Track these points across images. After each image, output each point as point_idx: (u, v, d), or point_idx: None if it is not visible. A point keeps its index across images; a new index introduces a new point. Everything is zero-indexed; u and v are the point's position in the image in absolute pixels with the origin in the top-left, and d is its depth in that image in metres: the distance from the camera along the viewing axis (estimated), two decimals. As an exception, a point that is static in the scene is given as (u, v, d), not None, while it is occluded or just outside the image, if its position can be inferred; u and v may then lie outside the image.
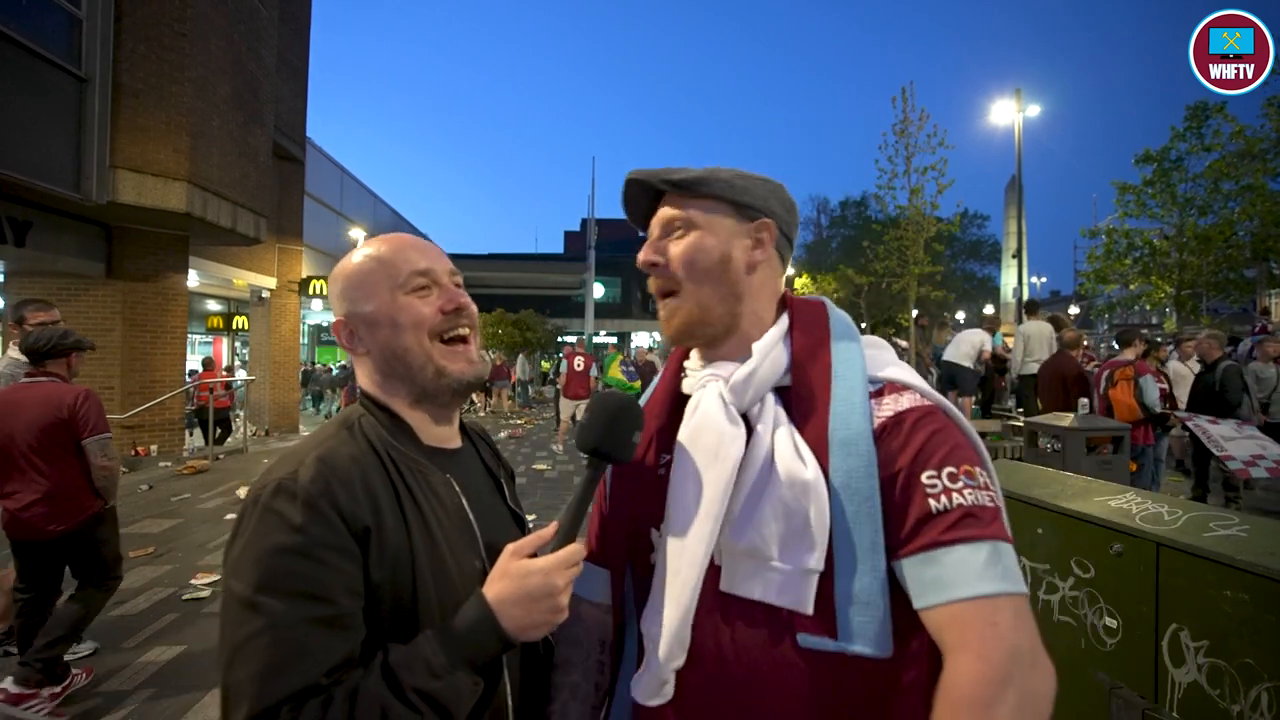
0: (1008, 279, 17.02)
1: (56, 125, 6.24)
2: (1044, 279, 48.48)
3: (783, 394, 0.87)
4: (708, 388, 0.88)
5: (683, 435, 0.87)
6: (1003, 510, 0.77)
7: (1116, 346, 6.33)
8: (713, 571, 0.83)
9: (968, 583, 0.71)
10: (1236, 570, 1.38)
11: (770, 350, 0.87)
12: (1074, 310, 28.46)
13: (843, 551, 0.77)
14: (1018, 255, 15.25)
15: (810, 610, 0.76)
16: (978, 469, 0.78)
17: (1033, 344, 7.44)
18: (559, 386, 10.83)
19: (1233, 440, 4.89)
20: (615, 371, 9.90)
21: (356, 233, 17.98)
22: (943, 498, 0.75)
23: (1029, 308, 8.21)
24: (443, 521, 0.87)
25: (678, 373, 0.98)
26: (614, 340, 30.29)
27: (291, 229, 13.31)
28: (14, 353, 3.34)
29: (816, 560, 0.77)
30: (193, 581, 4.24)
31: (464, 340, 0.96)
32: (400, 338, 0.91)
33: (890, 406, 0.82)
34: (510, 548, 0.83)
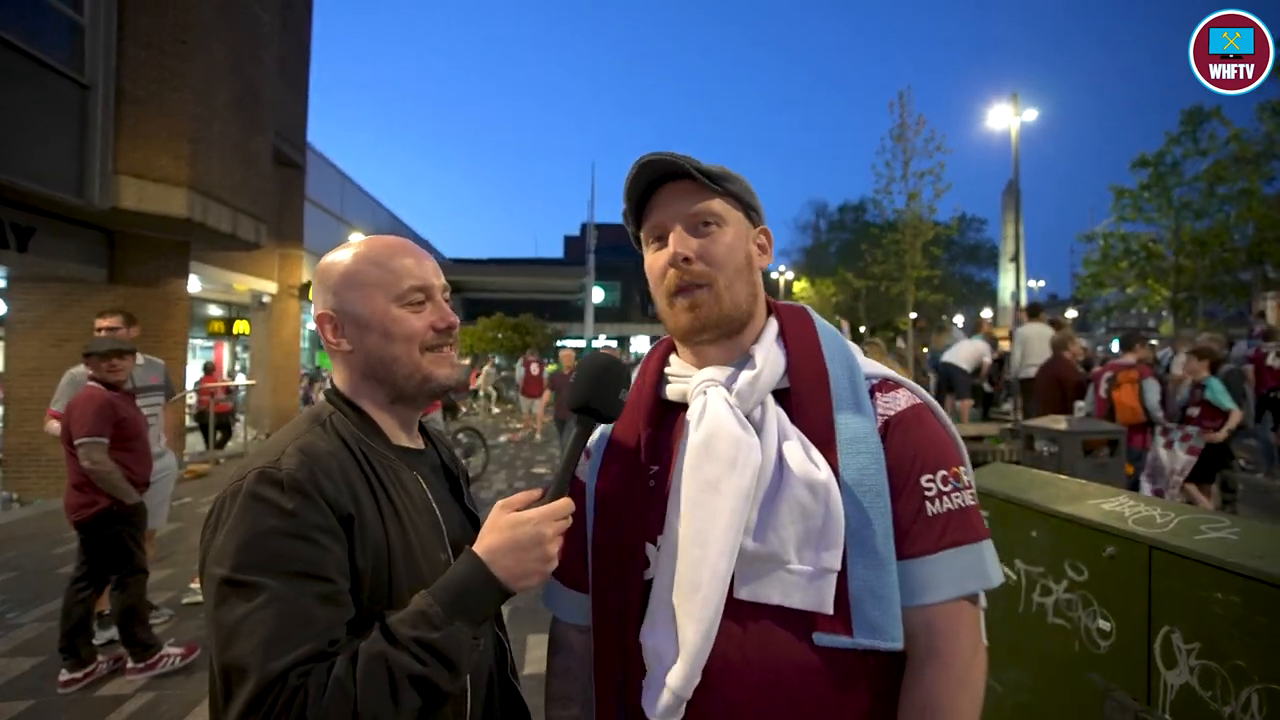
0: (1005, 282, 17.06)
1: (59, 132, 6.27)
2: (1042, 282, 48.59)
3: (780, 397, 0.87)
4: (709, 394, 0.86)
5: (693, 444, 0.84)
6: (977, 503, 0.85)
7: (1117, 349, 6.36)
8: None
9: (950, 585, 0.78)
10: (1227, 572, 1.40)
11: (769, 354, 0.88)
12: (1072, 313, 28.51)
13: (857, 548, 0.78)
14: (1015, 259, 15.30)
15: (831, 610, 0.77)
16: (962, 469, 0.84)
17: (1031, 347, 7.46)
18: (519, 388, 12.33)
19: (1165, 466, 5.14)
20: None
21: (357, 237, 17.98)
22: (938, 501, 0.80)
23: (1030, 311, 8.22)
24: (413, 516, 0.90)
25: (657, 379, 0.96)
26: (614, 344, 30.30)
27: (292, 234, 13.34)
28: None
29: (835, 559, 0.77)
30: (192, 585, 4.26)
31: (449, 347, 0.99)
32: (390, 347, 0.93)
33: (890, 405, 0.86)
34: (500, 503, 0.85)
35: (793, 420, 0.84)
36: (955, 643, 0.78)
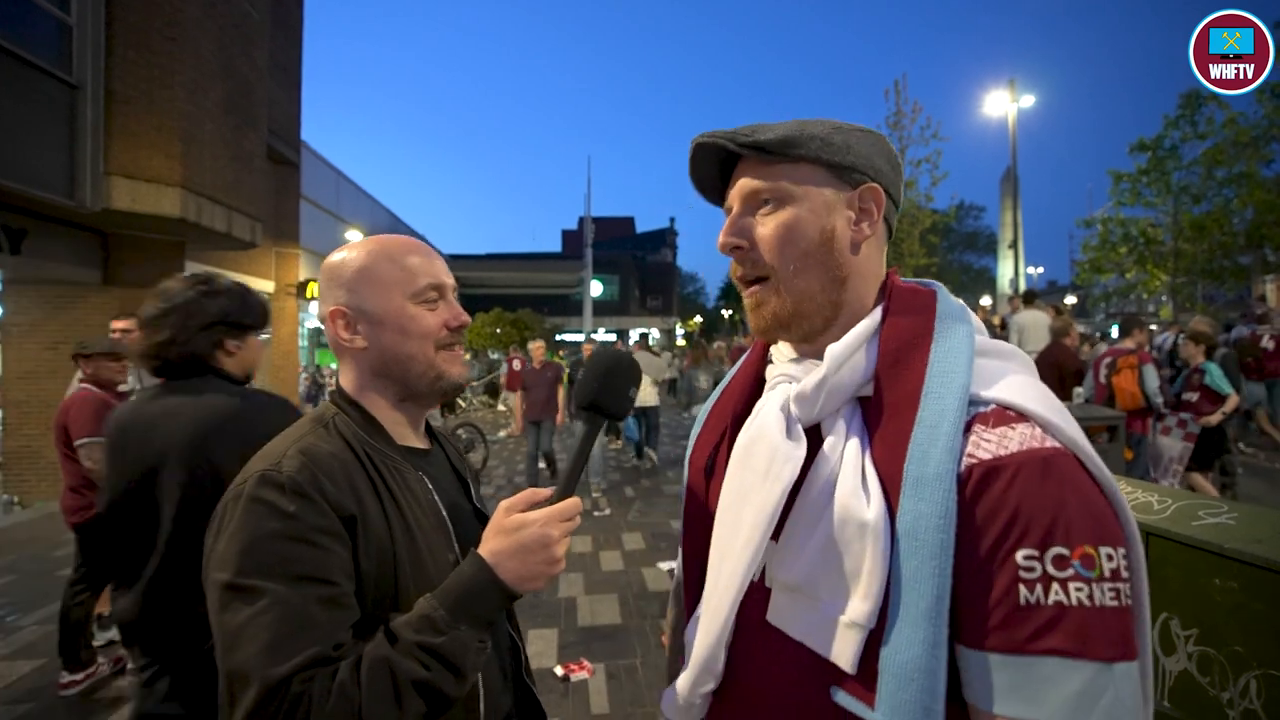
0: (1004, 270, 17.03)
1: (49, 133, 6.22)
2: (1041, 269, 48.54)
3: (864, 404, 0.72)
4: (776, 389, 0.78)
5: (738, 445, 0.77)
6: (1135, 611, 0.60)
7: (1116, 335, 6.35)
8: (765, 593, 0.74)
9: (1025, 701, 0.56)
10: (1224, 558, 1.40)
11: (850, 354, 0.71)
12: (1071, 300, 28.48)
13: (897, 610, 0.61)
14: (1014, 246, 15.27)
15: (852, 670, 0.64)
16: (1102, 550, 0.58)
17: (1028, 334, 7.44)
18: (503, 384, 12.60)
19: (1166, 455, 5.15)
20: None
21: (353, 235, 17.96)
22: (1038, 587, 0.57)
23: (1026, 298, 8.22)
24: (419, 517, 0.89)
25: (763, 358, 0.87)
26: (614, 337, 30.30)
27: (288, 232, 13.29)
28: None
29: (864, 615, 0.63)
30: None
31: (459, 345, 1.00)
32: (405, 344, 0.93)
33: (992, 443, 0.63)
34: (504, 504, 0.84)
35: (869, 438, 0.69)
36: None
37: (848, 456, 0.68)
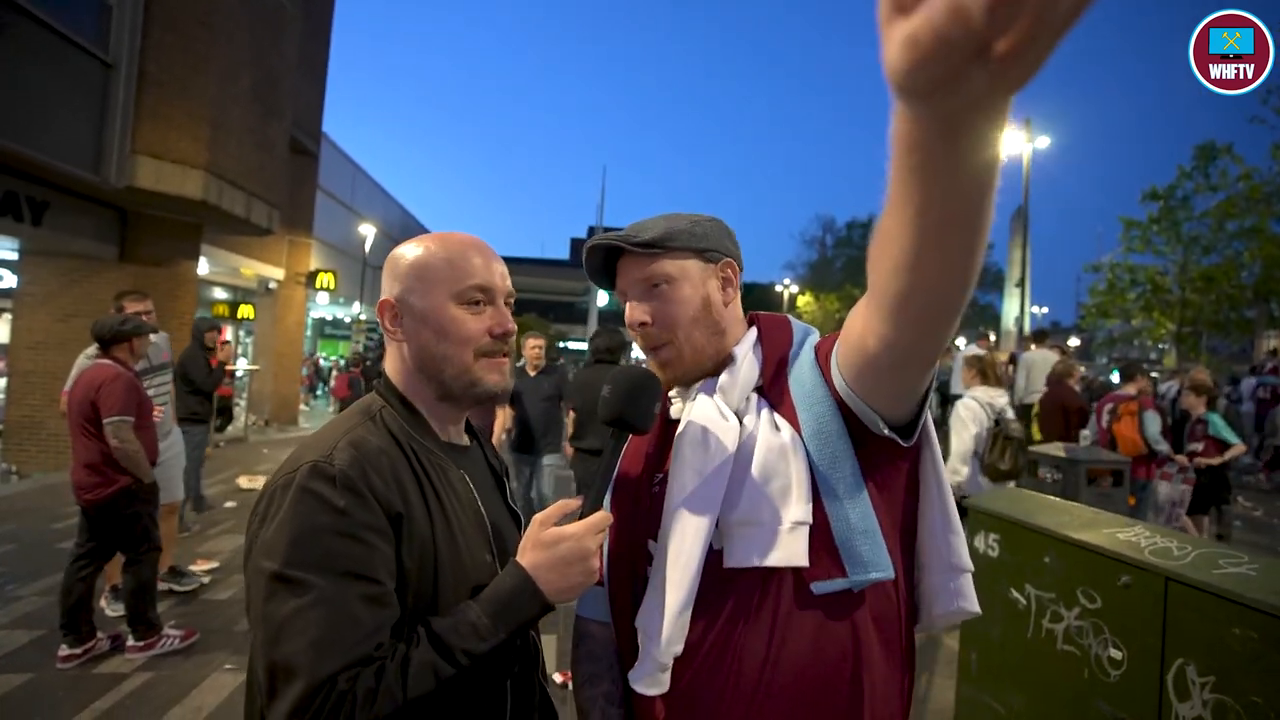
0: (1010, 308, 17.07)
1: (80, 109, 6.29)
2: (1045, 309, 48.63)
3: (762, 392, 0.94)
4: (699, 397, 0.94)
5: (680, 434, 0.92)
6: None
7: (1118, 380, 6.35)
8: (714, 558, 0.86)
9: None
10: (1246, 608, 1.41)
11: (746, 354, 0.94)
12: (1074, 342, 28.52)
13: (831, 493, 0.83)
14: (1021, 284, 15.33)
15: (806, 563, 0.81)
16: None
17: (1035, 373, 7.45)
18: None
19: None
20: None
21: (367, 228, 18.03)
22: None
23: (1036, 337, 8.22)
24: (460, 515, 0.90)
25: (664, 400, 1.03)
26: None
27: (302, 221, 13.37)
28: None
29: (803, 513, 0.81)
30: (191, 568, 4.25)
31: (503, 354, 0.97)
32: (442, 345, 0.92)
33: (823, 345, 0.92)
34: (538, 518, 0.86)
35: (770, 405, 0.91)
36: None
37: (763, 417, 0.89)
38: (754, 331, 0.99)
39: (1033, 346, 8.11)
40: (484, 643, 0.77)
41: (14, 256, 7.84)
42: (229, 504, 6.15)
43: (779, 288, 38.05)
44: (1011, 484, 3.95)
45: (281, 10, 8.82)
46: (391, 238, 22.57)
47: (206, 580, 4.19)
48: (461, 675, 0.75)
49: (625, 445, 0.97)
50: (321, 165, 14.19)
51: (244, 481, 7.13)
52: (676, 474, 0.89)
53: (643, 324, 0.96)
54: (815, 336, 0.99)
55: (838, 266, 35.88)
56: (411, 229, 26.36)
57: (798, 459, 0.83)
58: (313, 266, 13.87)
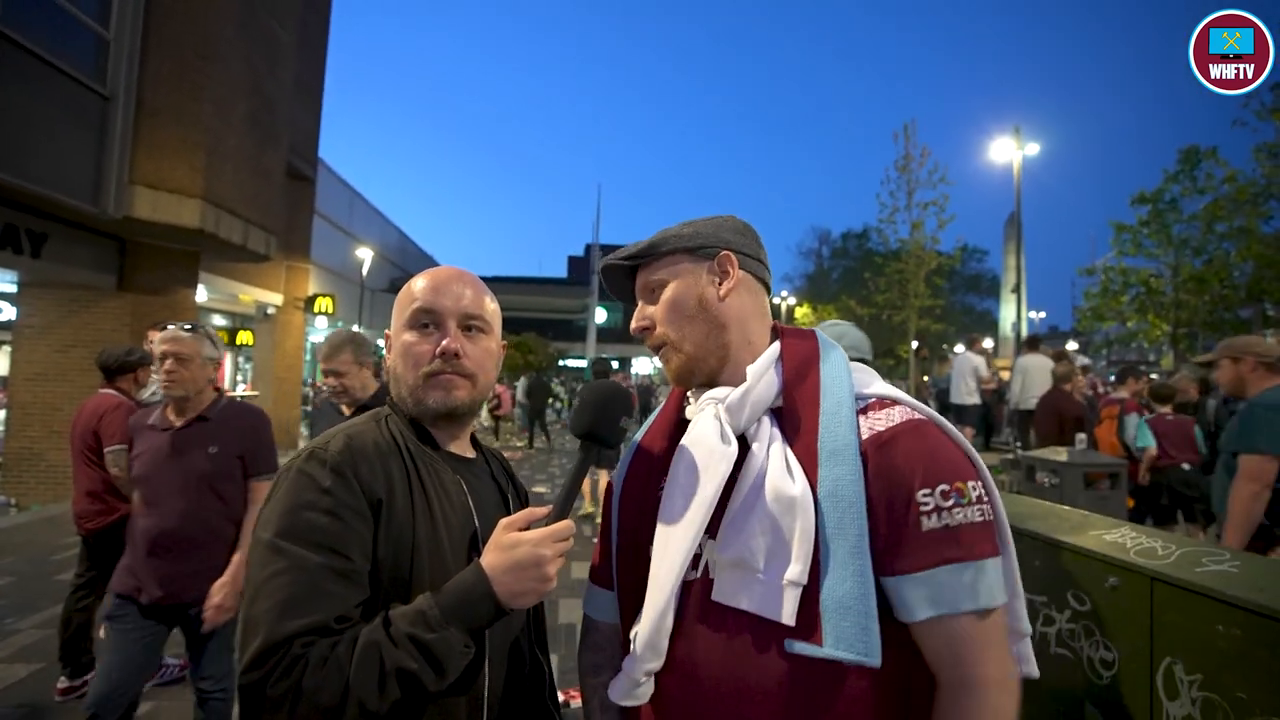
0: (1006, 313, 17.15)
1: (78, 141, 6.37)
2: (1043, 314, 48.77)
3: (778, 415, 0.91)
4: (705, 410, 0.93)
5: (678, 451, 0.92)
6: (997, 522, 0.82)
7: (1114, 383, 6.36)
8: (706, 583, 0.86)
9: (936, 603, 0.77)
10: (1228, 605, 1.43)
11: (764, 373, 0.91)
12: (1073, 345, 28.56)
13: (828, 560, 0.79)
14: (1017, 290, 15.42)
15: (791, 621, 0.78)
16: (970, 483, 0.81)
17: (1031, 378, 7.47)
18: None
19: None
20: None
21: (364, 252, 18.13)
22: (935, 516, 0.78)
23: (1030, 343, 8.24)
24: (448, 515, 0.94)
25: (680, 402, 1.04)
26: (615, 364, 30.34)
27: (300, 247, 13.45)
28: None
29: (798, 573, 0.79)
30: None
31: (455, 373, 1.00)
32: (399, 367, 1.01)
33: (882, 420, 0.85)
34: (503, 522, 0.88)
35: (784, 436, 0.87)
36: (957, 666, 0.77)
37: (773, 451, 0.85)
38: (776, 346, 0.95)
39: (1026, 352, 8.12)
40: (430, 633, 0.79)
41: (13, 289, 7.89)
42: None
43: (776, 300, 38.29)
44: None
45: (278, 38, 8.95)
46: (389, 261, 22.66)
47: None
48: (406, 661, 0.76)
49: (593, 459, 0.99)
50: (318, 190, 14.30)
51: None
52: (669, 493, 0.90)
53: (642, 328, 0.99)
54: (870, 378, 0.94)
55: (834, 278, 36.04)
56: (409, 252, 26.47)
57: (805, 518, 0.80)
58: (311, 291, 13.93)
